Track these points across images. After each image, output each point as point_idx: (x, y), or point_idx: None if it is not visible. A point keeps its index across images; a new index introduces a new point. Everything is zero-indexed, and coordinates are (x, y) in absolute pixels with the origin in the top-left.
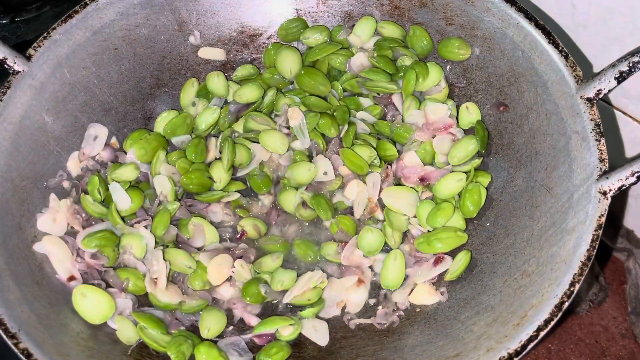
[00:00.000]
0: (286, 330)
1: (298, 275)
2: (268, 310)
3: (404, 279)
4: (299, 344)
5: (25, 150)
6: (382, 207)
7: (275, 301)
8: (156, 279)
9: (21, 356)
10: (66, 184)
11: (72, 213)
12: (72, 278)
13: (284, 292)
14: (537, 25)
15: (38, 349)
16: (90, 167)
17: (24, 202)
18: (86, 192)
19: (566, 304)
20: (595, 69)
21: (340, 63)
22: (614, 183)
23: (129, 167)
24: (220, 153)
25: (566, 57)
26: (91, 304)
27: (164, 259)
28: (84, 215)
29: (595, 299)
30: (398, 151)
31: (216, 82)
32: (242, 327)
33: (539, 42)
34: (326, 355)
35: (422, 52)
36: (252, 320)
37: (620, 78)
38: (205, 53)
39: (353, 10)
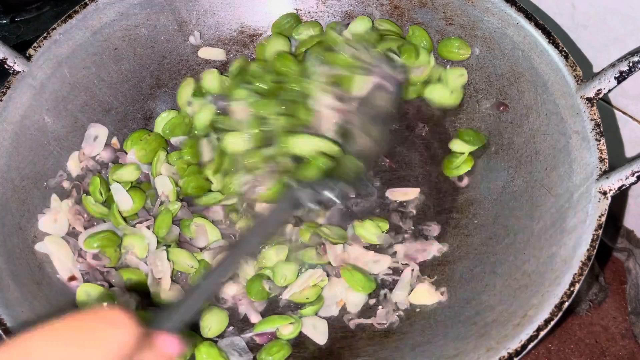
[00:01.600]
0: (286, 329)
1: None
2: (268, 310)
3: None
4: (299, 344)
5: (25, 151)
6: None
7: (279, 296)
8: (160, 279)
9: None
10: (66, 184)
11: (73, 214)
12: (72, 278)
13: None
14: (537, 25)
15: None
16: (91, 167)
17: (23, 202)
18: (87, 193)
19: (566, 304)
20: (595, 69)
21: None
22: (614, 183)
23: (130, 167)
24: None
25: (566, 57)
26: (95, 303)
27: (167, 259)
28: (85, 216)
29: (595, 299)
30: None
31: (210, 79)
32: (242, 327)
33: (539, 42)
34: (326, 355)
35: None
36: (254, 317)
37: (620, 78)
38: (205, 53)
39: (353, 10)
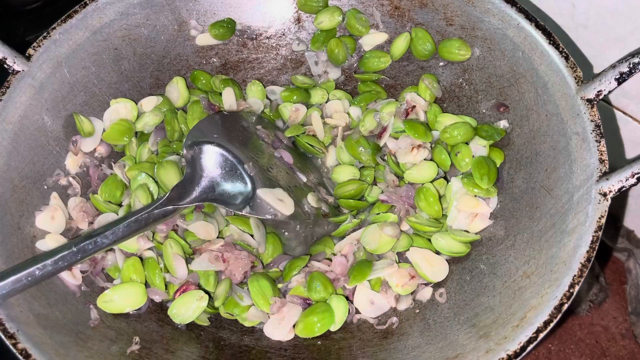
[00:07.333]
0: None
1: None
2: None
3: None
4: (297, 345)
5: (25, 150)
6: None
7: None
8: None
9: (19, 356)
10: (64, 181)
11: (78, 211)
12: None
13: None
14: (538, 26)
15: (37, 349)
16: (89, 163)
17: (23, 202)
18: (94, 192)
19: (566, 306)
20: (596, 70)
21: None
22: (614, 184)
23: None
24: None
25: (566, 58)
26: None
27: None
28: (91, 213)
29: (596, 299)
30: None
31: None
32: None
33: (540, 43)
34: (326, 356)
35: (424, 55)
36: None
37: (621, 79)
38: (204, 40)
39: None
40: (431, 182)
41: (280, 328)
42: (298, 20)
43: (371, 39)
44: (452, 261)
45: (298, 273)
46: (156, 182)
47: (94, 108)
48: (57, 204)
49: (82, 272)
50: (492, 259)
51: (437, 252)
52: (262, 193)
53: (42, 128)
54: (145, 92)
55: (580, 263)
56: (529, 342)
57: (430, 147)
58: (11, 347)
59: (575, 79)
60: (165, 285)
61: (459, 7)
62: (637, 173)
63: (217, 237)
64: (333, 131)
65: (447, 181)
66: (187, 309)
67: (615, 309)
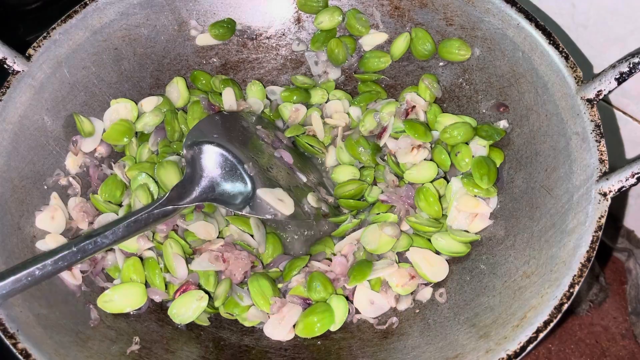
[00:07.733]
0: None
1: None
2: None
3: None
4: (297, 345)
5: (25, 150)
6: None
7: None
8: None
9: (19, 356)
10: (64, 181)
11: (78, 211)
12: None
13: None
14: (538, 26)
15: (36, 349)
16: (88, 163)
17: (22, 202)
18: (94, 192)
19: (566, 306)
20: (596, 70)
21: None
22: (614, 184)
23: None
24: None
25: (566, 58)
26: (121, 299)
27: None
28: (91, 213)
29: (596, 299)
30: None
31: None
32: None
33: (540, 43)
34: (326, 356)
35: (424, 55)
36: None
37: (621, 79)
38: (204, 40)
39: None
40: (431, 182)
41: (280, 328)
42: (298, 20)
43: (371, 39)
44: (452, 261)
45: (298, 273)
46: (156, 182)
47: (94, 108)
48: (57, 204)
49: (82, 272)
50: (492, 259)
51: (437, 252)
52: (262, 193)
53: (42, 128)
54: (145, 92)
55: (580, 263)
56: (529, 342)
57: (430, 147)
58: (11, 347)
59: (575, 79)
60: (165, 285)
61: (459, 7)
62: (637, 173)
63: (217, 237)
64: (333, 131)
65: (447, 181)
66: (187, 309)
67: (615, 309)
